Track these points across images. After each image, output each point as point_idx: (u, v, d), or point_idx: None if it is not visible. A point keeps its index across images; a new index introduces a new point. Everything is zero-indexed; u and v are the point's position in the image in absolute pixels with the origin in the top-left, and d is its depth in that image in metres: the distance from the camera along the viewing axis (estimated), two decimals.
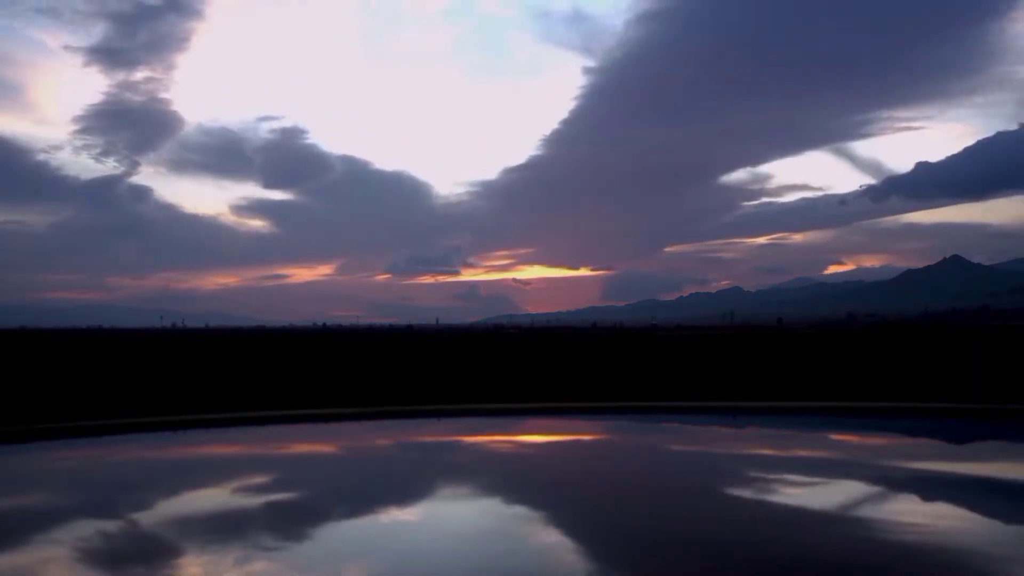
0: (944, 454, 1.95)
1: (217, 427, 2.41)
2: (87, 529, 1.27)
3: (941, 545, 1.14)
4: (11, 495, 1.50)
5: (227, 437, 2.25)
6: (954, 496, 1.46)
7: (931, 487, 1.54)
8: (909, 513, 1.33)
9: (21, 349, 34.59)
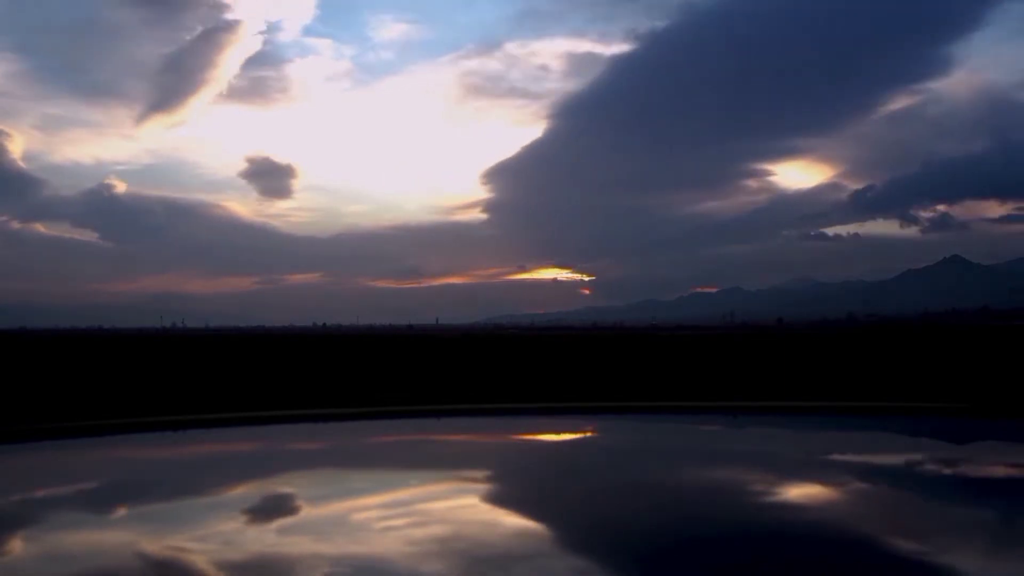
0: (944, 454, 1.95)
1: (217, 427, 2.41)
2: (87, 529, 1.27)
3: (941, 545, 1.14)
4: (11, 495, 1.50)
5: (227, 437, 2.25)
6: (953, 496, 1.46)
7: (931, 487, 1.54)
8: (909, 513, 1.33)
9: (20, 350, 34.59)
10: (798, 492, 1.49)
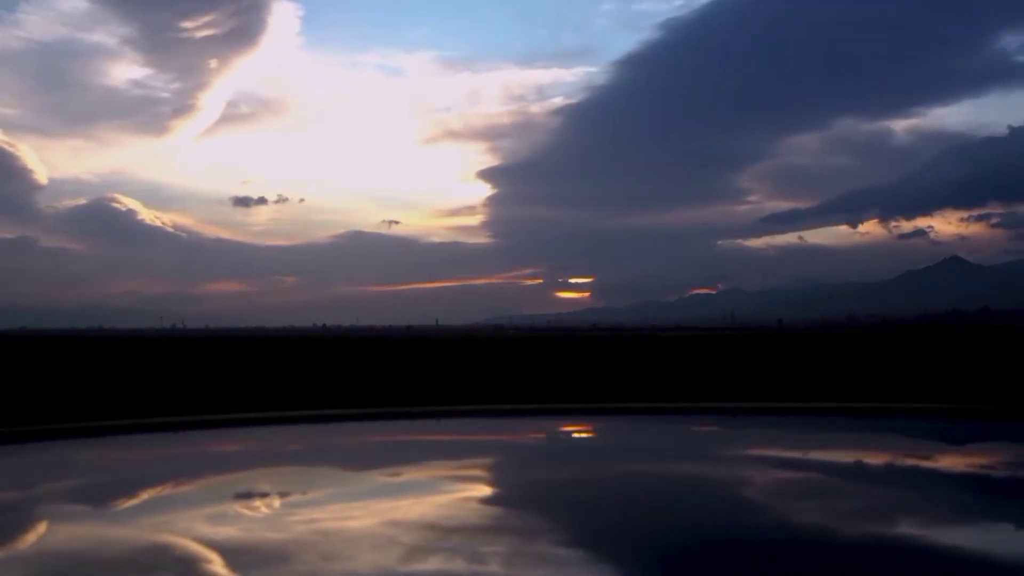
0: (944, 454, 1.96)
1: (217, 427, 2.41)
2: (87, 529, 1.26)
3: (941, 545, 1.14)
4: (11, 495, 1.50)
5: (227, 437, 2.25)
6: (954, 496, 1.46)
7: (931, 487, 1.54)
8: (908, 513, 1.33)
9: (21, 350, 34.59)
10: (798, 492, 1.49)
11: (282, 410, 6.95)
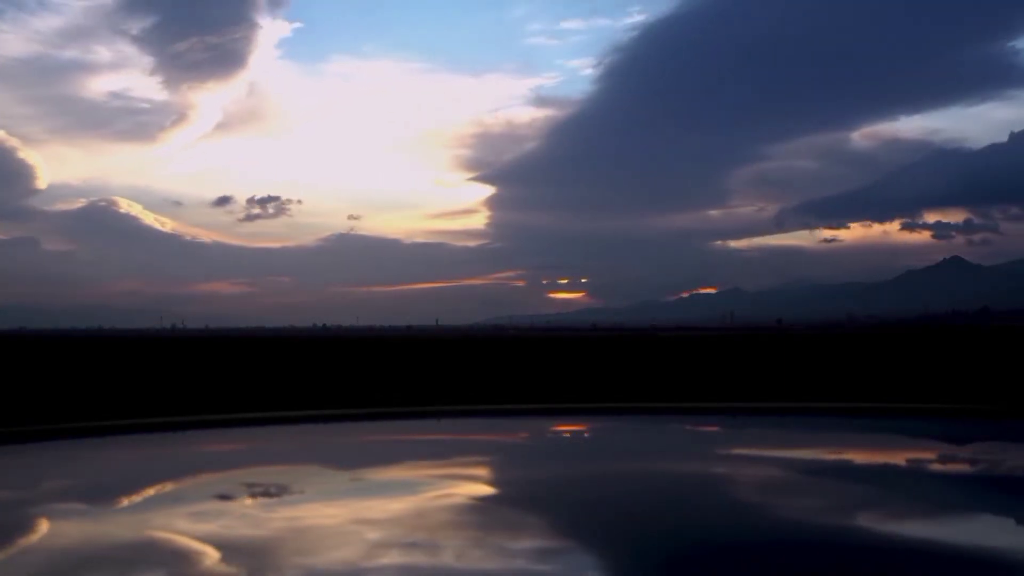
0: (944, 454, 1.95)
1: (217, 427, 2.41)
2: (87, 529, 1.26)
3: (941, 545, 1.14)
4: (11, 495, 1.50)
5: (227, 437, 2.25)
6: (954, 496, 1.46)
7: (931, 487, 1.54)
8: (908, 513, 1.33)
9: (21, 350, 34.57)
10: (797, 492, 1.49)
11: (282, 410, 6.95)
